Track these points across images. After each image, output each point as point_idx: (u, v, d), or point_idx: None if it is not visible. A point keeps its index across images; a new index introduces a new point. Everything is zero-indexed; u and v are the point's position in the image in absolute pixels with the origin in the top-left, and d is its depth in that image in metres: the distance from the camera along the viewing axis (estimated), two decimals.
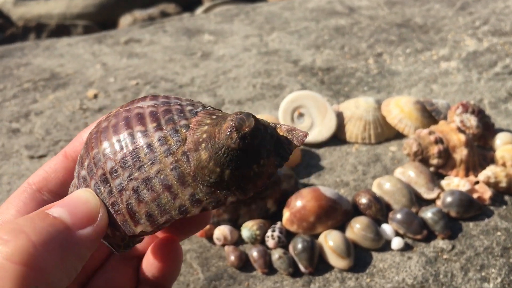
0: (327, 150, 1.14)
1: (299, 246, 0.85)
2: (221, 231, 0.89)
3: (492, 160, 1.05)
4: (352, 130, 1.14)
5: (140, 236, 0.38)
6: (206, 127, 0.36)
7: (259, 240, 0.89)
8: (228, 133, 0.34)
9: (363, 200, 0.93)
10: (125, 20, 3.34)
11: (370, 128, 1.14)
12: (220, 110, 0.40)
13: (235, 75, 1.52)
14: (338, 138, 1.16)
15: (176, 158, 0.36)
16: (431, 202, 0.97)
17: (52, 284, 0.32)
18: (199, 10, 3.10)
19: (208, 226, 0.92)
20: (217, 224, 0.92)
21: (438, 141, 1.00)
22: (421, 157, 1.01)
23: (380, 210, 0.92)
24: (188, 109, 0.38)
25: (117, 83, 1.50)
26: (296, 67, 1.56)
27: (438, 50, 1.64)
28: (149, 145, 0.36)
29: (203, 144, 0.35)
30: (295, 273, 0.84)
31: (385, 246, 0.89)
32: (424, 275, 0.83)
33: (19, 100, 1.42)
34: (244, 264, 0.86)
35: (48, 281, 0.31)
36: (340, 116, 1.17)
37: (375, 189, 0.98)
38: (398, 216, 0.90)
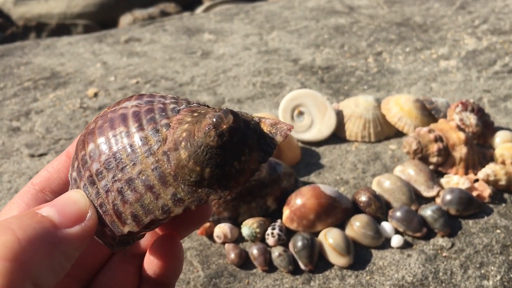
0: (327, 148, 1.14)
1: (299, 244, 0.85)
2: (221, 229, 0.90)
3: (491, 158, 1.05)
4: (352, 129, 1.15)
5: (132, 236, 0.38)
6: (186, 125, 0.36)
7: (259, 238, 0.90)
8: (206, 130, 0.34)
9: (363, 198, 0.93)
10: (125, 19, 3.34)
11: (369, 127, 1.14)
12: (207, 106, 0.40)
13: (235, 73, 1.53)
14: (338, 136, 1.17)
15: (156, 158, 0.36)
16: (431, 200, 0.97)
17: (38, 280, 0.32)
18: (199, 9, 3.10)
19: (208, 224, 0.92)
20: (217, 222, 0.92)
21: (438, 139, 1.01)
22: (421, 155, 1.01)
23: (380, 208, 0.92)
24: (171, 108, 0.38)
25: (117, 82, 1.51)
26: (296, 66, 1.56)
27: (438, 49, 1.65)
28: (131, 146, 0.37)
29: (183, 143, 0.35)
30: (295, 270, 0.85)
31: (385, 244, 0.89)
32: (424, 273, 0.83)
33: (20, 98, 1.42)
34: (244, 262, 0.87)
35: (34, 276, 0.32)
36: (339, 115, 1.17)
37: (374, 187, 0.98)
38: (398, 214, 0.90)
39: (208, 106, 0.40)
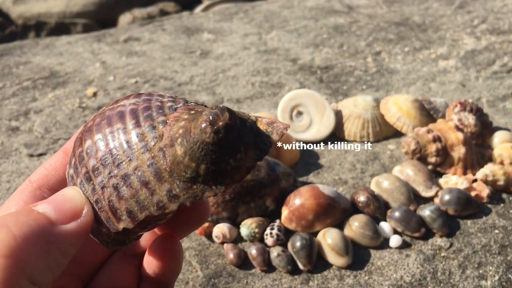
0: (326, 148, 1.14)
1: (298, 244, 0.85)
2: (220, 229, 0.90)
3: (490, 158, 1.06)
4: (351, 129, 1.15)
5: (127, 235, 0.39)
6: (183, 123, 0.36)
7: (258, 238, 0.90)
8: (202, 127, 0.35)
9: (362, 198, 0.93)
10: (124, 18, 3.34)
11: (368, 127, 1.14)
12: (205, 105, 0.40)
13: (234, 73, 1.53)
14: (336, 136, 1.17)
15: (152, 154, 0.36)
16: (429, 200, 0.97)
17: (34, 277, 0.32)
18: (198, 9, 3.10)
19: (207, 224, 0.92)
20: (216, 222, 0.93)
21: (436, 139, 1.01)
22: (419, 155, 1.02)
23: (378, 208, 0.92)
24: (168, 105, 0.39)
25: (116, 81, 1.51)
26: (295, 66, 1.57)
27: (437, 48, 1.65)
28: (127, 142, 0.37)
29: (179, 140, 0.36)
30: (293, 270, 0.85)
31: (384, 244, 0.89)
32: (422, 273, 0.83)
33: (19, 98, 1.42)
34: (243, 262, 0.87)
35: (30, 273, 0.32)
36: (338, 115, 1.17)
37: (373, 187, 0.98)
38: (396, 214, 0.90)
39: (206, 106, 0.40)
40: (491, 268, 0.84)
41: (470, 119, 1.08)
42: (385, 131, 1.15)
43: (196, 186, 0.36)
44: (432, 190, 0.96)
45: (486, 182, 0.98)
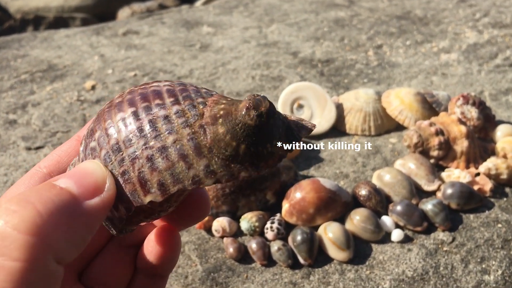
0: (327, 142, 1.13)
1: (298, 238, 0.84)
2: (220, 223, 0.89)
3: (493, 152, 1.04)
4: (352, 122, 1.14)
5: (131, 223, 0.39)
6: (222, 105, 0.37)
7: (258, 232, 0.89)
8: (245, 110, 0.36)
9: (363, 192, 0.92)
10: (123, 13, 3.32)
11: (370, 120, 1.13)
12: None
13: (234, 66, 1.51)
14: (338, 129, 1.16)
15: (193, 130, 0.37)
16: (432, 194, 0.96)
17: (60, 254, 0.31)
18: (198, 2, 3.09)
19: (206, 218, 0.91)
20: (216, 216, 0.91)
21: (439, 132, 1.00)
22: (422, 148, 1.00)
23: (380, 202, 0.91)
24: (204, 91, 0.40)
25: (115, 74, 1.49)
26: (296, 59, 1.55)
27: (439, 42, 1.63)
28: (166, 117, 0.37)
29: (221, 120, 0.37)
30: (294, 265, 0.84)
31: (385, 238, 0.88)
32: (424, 267, 0.82)
33: (16, 91, 1.41)
34: (243, 256, 0.86)
35: (56, 250, 0.31)
36: (339, 108, 1.16)
37: (375, 181, 0.97)
38: (398, 208, 0.89)
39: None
40: (494, 262, 0.83)
41: (472, 112, 1.07)
42: (386, 125, 1.14)
43: (233, 165, 0.37)
44: (435, 184, 0.95)
45: (489, 176, 0.96)
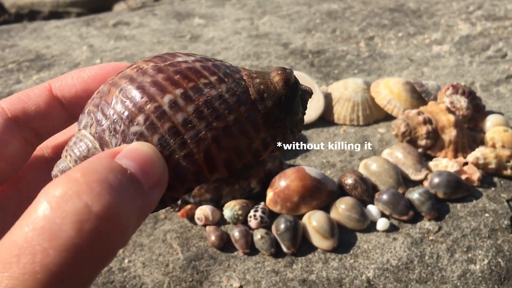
0: (315, 131, 1.11)
1: (282, 226, 0.83)
2: (203, 211, 0.87)
3: (482, 142, 1.03)
4: (341, 112, 1.12)
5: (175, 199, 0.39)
6: (258, 80, 0.40)
7: (242, 221, 0.87)
8: (283, 83, 0.39)
9: (349, 180, 0.91)
10: (118, 7, 3.30)
11: (358, 110, 1.12)
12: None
13: (224, 57, 1.50)
14: (326, 119, 1.14)
15: (247, 107, 0.38)
16: (419, 183, 0.94)
17: (126, 238, 0.30)
18: None
19: (189, 206, 0.89)
20: (199, 204, 0.90)
21: (427, 121, 0.98)
22: (409, 137, 0.99)
23: (366, 191, 0.90)
24: (228, 65, 0.41)
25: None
26: (286, 50, 1.53)
27: (431, 34, 1.62)
28: (220, 96, 0.38)
29: (265, 94, 0.39)
30: (277, 253, 0.82)
31: (370, 227, 0.87)
32: (409, 256, 0.81)
33: (2, 80, 1.39)
34: (225, 245, 0.84)
35: (126, 234, 0.30)
36: (328, 98, 1.15)
37: (361, 170, 0.96)
38: (384, 196, 0.88)
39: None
40: (480, 252, 0.82)
41: (462, 102, 1.05)
42: (375, 114, 1.13)
43: (281, 135, 0.40)
44: (422, 173, 0.94)
45: (477, 165, 0.95)
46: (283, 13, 1.88)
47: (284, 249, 0.82)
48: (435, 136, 0.98)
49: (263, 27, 1.74)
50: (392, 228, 0.86)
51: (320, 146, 1.06)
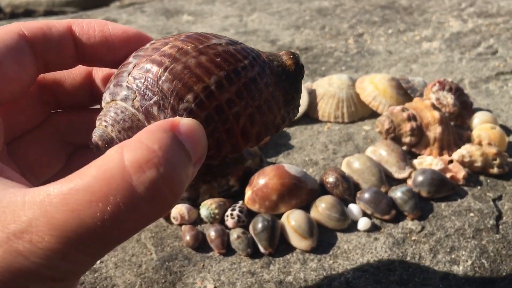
0: (298, 129, 1.08)
1: (259, 225, 0.80)
2: (178, 210, 0.84)
3: (468, 139, 1.00)
4: (325, 108, 1.09)
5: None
6: (275, 63, 0.47)
7: (219, 220, 0.84)
8: (295, 66, 0.47)
9: (330, 179, 0.88)
10: (113, 6, 3.28)
11: (343, 106, 1.09)
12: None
13: None
14: (310, 116, 1.11)
15: (273, 88, 0.45)
16: (403, 181, 0.92)
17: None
18: None
19: None
20: (176, 202, 0.87)
21: (411, 118, 0.95)
22: (394, 135, 0.96)
23: (347, 189, 0.87)
24: (251, 48, 0.47)
25: None
26: (274, 46, 1.51)
27: (421, 31, 1.59)
28: (254, 79, 0.43)
29: (283, 76, 0.46)
30: (254, 254, 0.79)
31: (352, 226, 0.84)
32: (391, 257, 0.78)
33: None
34: (200, 245, 0.81)
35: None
36: (312, 94, 1.12)
37: (344, 168, 0.93)
38: (366, 195, 0.85)
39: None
40: (464, 252, 0.79)
41: (448, 99, 1.03)
42: (360, 111, 1.10)
43: (293, 111, 0.48)
44: (406, 171, 0.91)
45: (462, 163, 0.92)
46: (273, 10, 1.85)
47: (261, 249, 0.79)
48: (419, 133, 0.95)
49: (252, 24, 1.71)
50: (374, 228, 0.83)
51: (303, 143, 1.03)
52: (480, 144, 0.95)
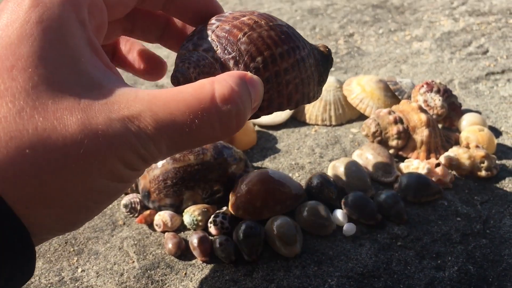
0: (285, 132, 1.07)
1: (242, 232, 0.79)
2: (161, 217, 0.83)
3: (456, 142, 0.99)
4: (312, 111, 1.08)
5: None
6: (316, 50, 0.60)
7: (202, 227, 0.83)
8: (329, 55, 0.61)
9: (315, 183, 0.87)
10: None
11: (330, 109, 1.08)
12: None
13: None
14: (297, 120, 1.10)
15: (314, 68, 0.58)
16: (389, 185, 0.91)
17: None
18: None
19: (148, 212, 0.85)
20: (159, 209, 0.86)
21: (398, 121, 0.94)
22: (380, 138, 0.95)
23: (332, 194, 0.86)
24: (299, 34, 0.58)
25: None
26: None
27: (412, 30, 1.58)
28: (304, 58, 0.56)
29: (320, 62, 0.59)
30: (237, 261, 0.78)
31: (336, 232, 0.83)
32: (376, 263, 0.77)
33: None
34: (183, 252, 0.80)
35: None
36: None
37: (330, 172, 0.92)
38: (351, 200, 0.84)
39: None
40: (450, 258, 0.78)
41: (436, 100, 1.01)
42: (348, 114, 1.09)
43: (320, 91, 0.62)
44: (392, 176, 0.90)
45: (450, 166, 0.91)
46: (264, 10, 1.84)
47: (245, 256, 0.78)
48: (406, 136, 0.94)
49: None
50: (359, 233, 0.82)
51: (289, 147, 1.02)
52: (467, 146, 0.94)
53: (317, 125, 1.08)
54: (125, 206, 0.87)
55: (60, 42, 0.39)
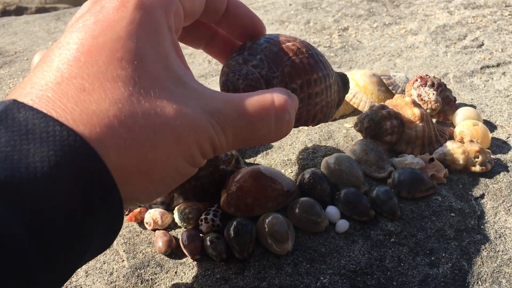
0: None
1: (233, 230, 0.78)
2: (151, 215, 0.82)
3: (451, 137, 0.98)
4: None
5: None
6: (338, 78, 0.72)
7: (193, 224, 0.82)
8: (347, 83, 0.75)
9: (308, 180, 0.86)
10: None
11: None
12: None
13: (191, 51, 1.44)
14: None
15: (335, 94, 0.69)
16: (383, 181, 0.89)
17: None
18: None
19: (139, 209, 0.84)
20: (150, 207, 0.85)
21: (391, 115, 0.93)
22: (374, 133, 0.94)
23: (325, 191, 0.85)
24: (326, 60, 0.68)
25: None
26: None
27: (407, 24, 1.57)
28: (331, 85, 0.66)
29: (339, 89, 0.72)
30: (228, 259, 0.77)
31: (329, 229, 0.82)
32: (369, 260, 0.76)
33: None
34: (174, 251, 0.79)
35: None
36: None
37: (322, 168, 0.91)
38: (344, 196, 0.83)
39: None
40: (444, 254, 0.77)
41: (430, 95, 1.00)
42: (342, 109, 1.08)
43: (337, 109, 0.73)
44: (385, 171, 0.89)
45: (444, 161, 0.90)
46: (258, 4, 1.82)
47: (236, 254, 0.77)
48: (399, 131, 0.93)
49: None
50: (352, 230, 0.81)
51: (282, 142, 1.01)
52: (462, 141, 0.92)
53: None
54: None
55: (156, 42, 0.46)
